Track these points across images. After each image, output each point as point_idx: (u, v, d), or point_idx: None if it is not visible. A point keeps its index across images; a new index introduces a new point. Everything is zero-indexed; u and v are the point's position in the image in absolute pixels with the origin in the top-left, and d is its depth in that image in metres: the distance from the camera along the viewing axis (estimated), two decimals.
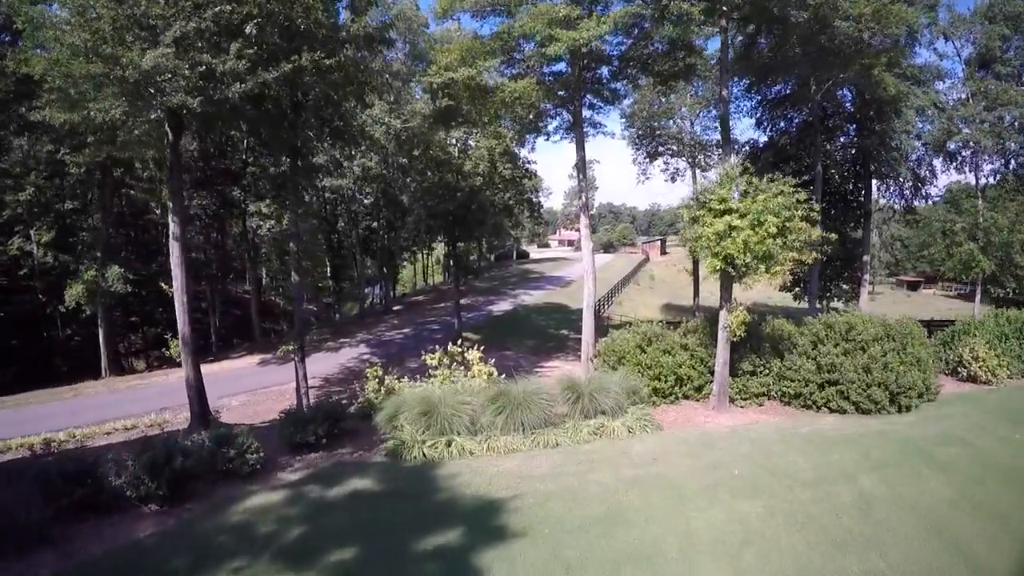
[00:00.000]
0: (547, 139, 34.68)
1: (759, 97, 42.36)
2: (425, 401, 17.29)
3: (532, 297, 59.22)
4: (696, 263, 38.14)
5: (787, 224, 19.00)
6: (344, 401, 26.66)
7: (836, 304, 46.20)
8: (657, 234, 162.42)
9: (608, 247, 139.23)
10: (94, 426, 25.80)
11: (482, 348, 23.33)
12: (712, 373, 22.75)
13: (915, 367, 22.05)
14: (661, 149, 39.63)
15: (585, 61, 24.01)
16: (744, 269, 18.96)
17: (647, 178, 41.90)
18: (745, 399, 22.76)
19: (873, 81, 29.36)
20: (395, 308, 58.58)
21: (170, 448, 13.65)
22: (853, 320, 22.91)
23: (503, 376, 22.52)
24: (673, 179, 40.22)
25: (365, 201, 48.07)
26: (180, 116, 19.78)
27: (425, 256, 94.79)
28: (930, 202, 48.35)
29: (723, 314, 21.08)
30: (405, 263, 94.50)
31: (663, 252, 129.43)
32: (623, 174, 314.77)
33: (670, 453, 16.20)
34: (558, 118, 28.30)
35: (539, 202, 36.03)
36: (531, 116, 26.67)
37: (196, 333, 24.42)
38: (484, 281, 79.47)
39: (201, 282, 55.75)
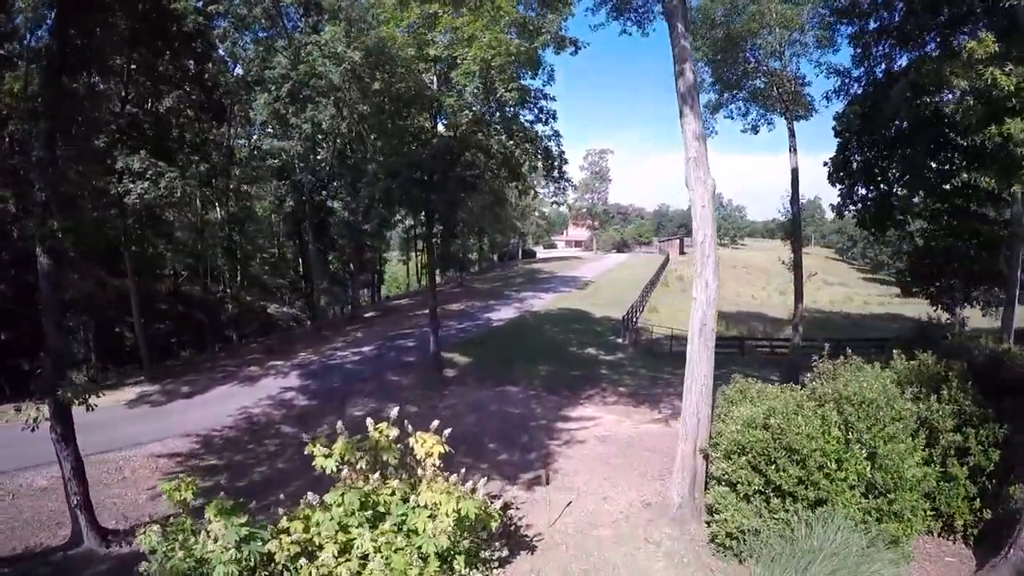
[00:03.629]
0: (574, 53, 21.72)
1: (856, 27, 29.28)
2: None
3: (543, 301, 46.14)
4: (799, 251, 25.03)
5: None
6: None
7: (965, 312, 33.74)
8: (666, 235, 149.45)
9: (622, 246, 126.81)
10: None
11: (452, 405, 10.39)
12: (989, 478, 9.81)
13: None
14: (742, 84, 26.57)
15: None
16: None
17: (710, 134, 28.76)
18: None
19: None
20: (367, 315, 45.64)
21: None
22: None
23: (500, 500, 9.74)
24: (755, 130, 27.48)
25: (319, 169, 35.18)
26: None
27: (419, 254, 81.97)
28: None
29: None
30: (387, 258, 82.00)
31: (682, 252, 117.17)
32: (630, 175, 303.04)
33: None
34: None
35: (562, 152, 22.94)
36: None
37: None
38: (484, 281, 66.60)
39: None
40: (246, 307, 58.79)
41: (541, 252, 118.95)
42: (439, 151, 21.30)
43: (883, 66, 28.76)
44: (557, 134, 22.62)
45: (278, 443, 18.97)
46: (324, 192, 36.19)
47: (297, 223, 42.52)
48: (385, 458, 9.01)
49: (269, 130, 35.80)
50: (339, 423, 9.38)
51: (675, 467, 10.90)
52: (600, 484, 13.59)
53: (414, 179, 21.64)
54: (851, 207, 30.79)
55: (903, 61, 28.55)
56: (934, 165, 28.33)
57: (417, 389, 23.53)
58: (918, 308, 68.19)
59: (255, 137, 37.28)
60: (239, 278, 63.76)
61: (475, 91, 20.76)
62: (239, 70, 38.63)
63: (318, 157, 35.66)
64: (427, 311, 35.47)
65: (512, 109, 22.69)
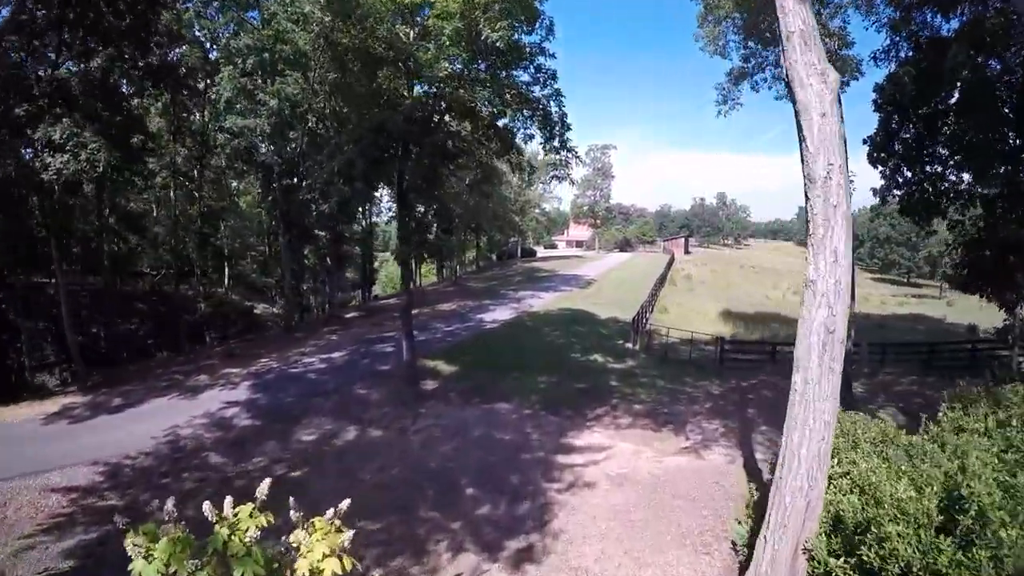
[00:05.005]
0: None
1: None
2: None
3: (542, 301, 41.98)
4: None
5: None
6: None
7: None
8: (668, 235, 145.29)
9: (624, 245, 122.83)
10: None
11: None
12: None
13: None
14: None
15: None
16: None
17: (732, 107, 24.93)
18: None
19: None
20: (349, 315, 41.47)
21: None
22: None
23: None
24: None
25: (287, 152, 30.99)
26: None
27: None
28: None
29: None
30: (384, 258, 78.34)
31: (686, 251, 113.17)
32: (630, 174, 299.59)
33: None
34: None
35: (564, 115, 18.67)
36: None
37: None
38: (480, 280, 62.52)
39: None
40: (231, 307, 54.84)
41: (541, 252, 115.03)
42: (412, 112, 17.15)
43: (926, 33, 24.71)
44: (558, 94, 18.43)
45: (199, 478, 14.84)
46: (294, 177, 32.00)
47: (272, 209, 38.31)
48: (239, 574, 4.85)
49: (238, 109, 31.88)
50: (169, 502, 5.17)
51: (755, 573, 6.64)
52: (620, 560, 9.39)
53: (381, 147, 17.48)
54: (895, 192, 26.89)
55: (954, 24, 24.61)
56: (990, 141, 24.65)
57: (387, 406, 19.33)
58: (935, 308, 64.05)
59: (222, 118, 33.12)
60: (226, 277, 59.95)
61: (454, 35, 16.55)
62: (215, 54, 35.03)
63: (289, 137, 31.52)
64: (414, 312, 31.62)
65: (504, 70, 18.59)
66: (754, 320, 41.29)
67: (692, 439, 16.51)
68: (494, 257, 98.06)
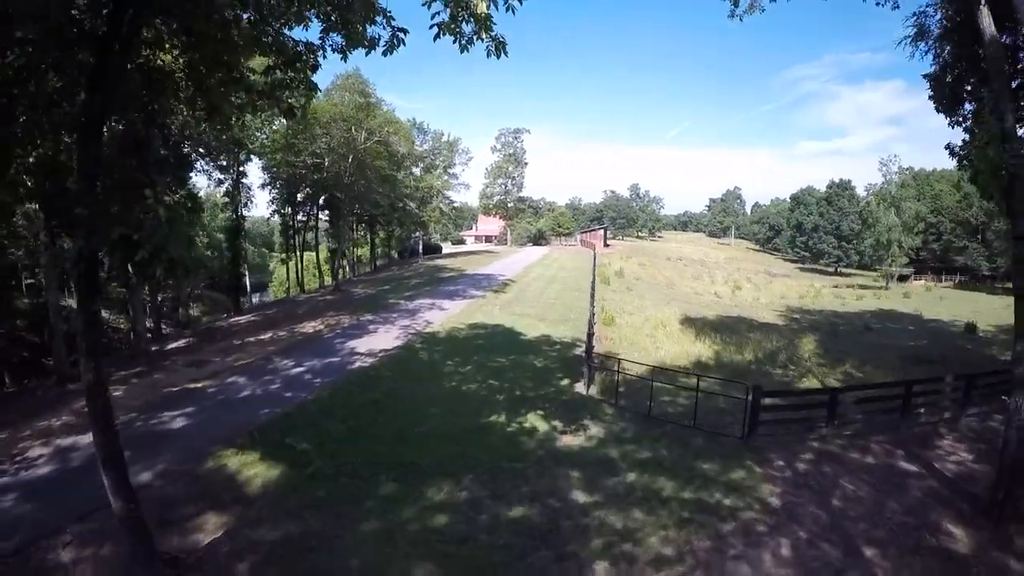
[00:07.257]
0: None
1: None
2: None
3: (445, 314, 30.94)
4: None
5: None
6: None
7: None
8: (583, 228, 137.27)
9: (538, 238, 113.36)
10: None
11: None
12: None
13: None
14: None
15: None
16: None
17: (751, 5, 14.71)
18: None
19: None
20: (174, 345, 29.21)
21: None
22: None
23: None
24: None
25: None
26: None
27: (299, 254, 65.18)
28: None
29: None
30: (270, 257, 66.07)
31: (606, 244, 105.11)
32: (539, 168, 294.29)
33: None
34: None
35: None
36: None
37: None
38: (371, 284, 50.84)
39: None
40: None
41: (448, 248, 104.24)
42: None
43: None
44: None
45: None
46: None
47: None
48: None
49: None
50: None
51: None
52: None
53: None
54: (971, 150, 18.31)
55: None
56: None
57: None
58: (895, 301, 57.54)
59: None
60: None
61: None
62: None
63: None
64: (267, 335, 22.24)
65: None
66: (724, 328, 31.95)
67: None
68: (395, 255, 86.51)
